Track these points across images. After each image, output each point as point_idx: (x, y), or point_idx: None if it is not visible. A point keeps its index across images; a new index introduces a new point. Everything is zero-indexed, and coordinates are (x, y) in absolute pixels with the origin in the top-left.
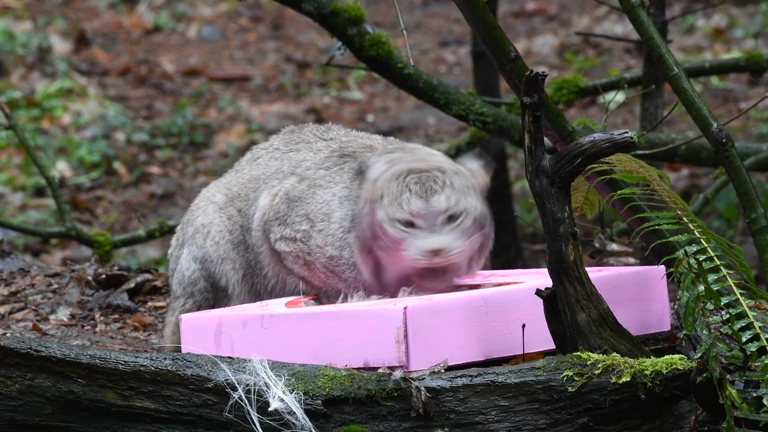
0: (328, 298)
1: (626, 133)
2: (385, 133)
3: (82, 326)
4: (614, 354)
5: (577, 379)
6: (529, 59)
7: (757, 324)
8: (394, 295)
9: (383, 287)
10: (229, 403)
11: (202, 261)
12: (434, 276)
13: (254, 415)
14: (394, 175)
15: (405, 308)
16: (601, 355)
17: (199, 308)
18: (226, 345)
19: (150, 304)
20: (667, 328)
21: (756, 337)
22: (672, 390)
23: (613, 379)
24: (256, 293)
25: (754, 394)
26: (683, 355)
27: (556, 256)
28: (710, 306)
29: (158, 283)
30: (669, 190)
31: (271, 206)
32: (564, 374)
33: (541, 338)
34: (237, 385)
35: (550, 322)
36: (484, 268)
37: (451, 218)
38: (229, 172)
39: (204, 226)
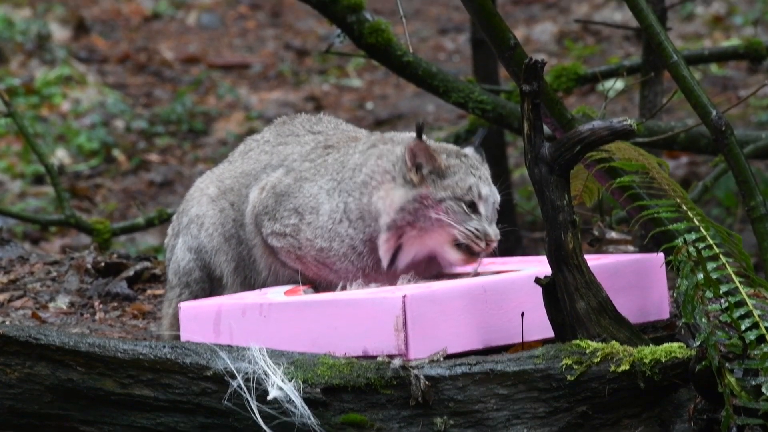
0: (325, 288)
1: (625, 120)
2: (385, 121)
3: (81, 314)
4: (613, 342)
5: (576, 367)
6: (528, 47)
7: (756, 312)
8: (392, 283)
9: (391, 274)
10: (228, 392)
11: (197, 251)
12: (469, 260)
13: (253, 404)
14: (451, 154)
15: (404, 296)
16: (600, 343)
17: (195, 299)
18: (225, 333)
19: (149, 291)
20: (666, 316)
21: (755, 326)
22: (671, 378)
23: (612, 368)
24: (249, 285)
25: (753, 383)
26: (682, 344)
27: (555, 244)
28: (709, 294)
29: (157, 271)
30: (668, 177)
31: (260, 200)
32: (563, 362)
33: (540, 326)
34: (236, 374)
35: (549, 311)
36: None
37: (495, 212)
38: (222, 163)
39: (198, 216)
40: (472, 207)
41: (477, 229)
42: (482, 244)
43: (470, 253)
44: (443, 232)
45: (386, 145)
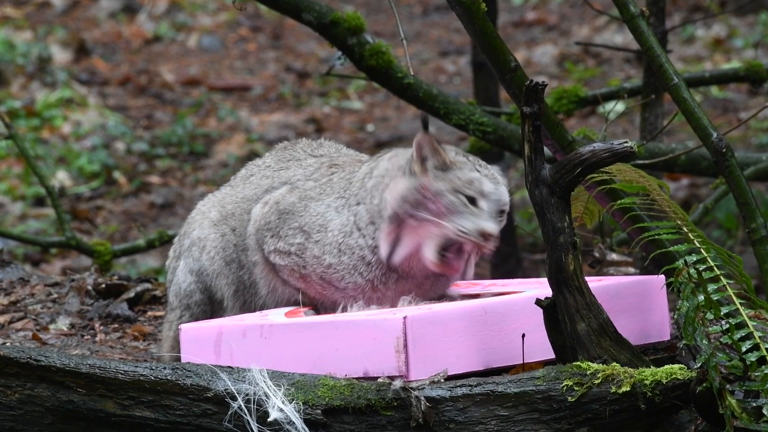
0: (326, 309)
1: (626, 142)
2: (385, 143)
3: (82, 336)
4: (614, 364)
5: (576, 388)
6: (529, 69)
7: (756, 334)
8: (393, 305)
9: (391, 268)
10: (229, 413)
11: (198, 274)
12: (457, 261)
13: (254, 425)
14: (459, 153)
15: (405, 318)
16: (600, 364)
17: (195, 321)
18: (225, 355)
19: (150, 313)
20: (666, 337)
21: (756, 347)
22: (672, 400)
23: (613, 389)
24: (249, 309)
25: (754, 404)
26: (683, 365)
27: (555, 266)
28: (710, 316)
29: (158, 293)
30: (669, 199)
31: (262, 215)
32: (564, 384)
33: (541, 348)
34: (236, 395)
35: (549, 332)
36: (482, 277)
37: (501, 212)
38: (224, 187)
39: (200, 239)
40: (473, 202)
41: (469, 228)
42: (479, 241)
43: (458, 257)
44: (435, 228)
45: (397, 150)
